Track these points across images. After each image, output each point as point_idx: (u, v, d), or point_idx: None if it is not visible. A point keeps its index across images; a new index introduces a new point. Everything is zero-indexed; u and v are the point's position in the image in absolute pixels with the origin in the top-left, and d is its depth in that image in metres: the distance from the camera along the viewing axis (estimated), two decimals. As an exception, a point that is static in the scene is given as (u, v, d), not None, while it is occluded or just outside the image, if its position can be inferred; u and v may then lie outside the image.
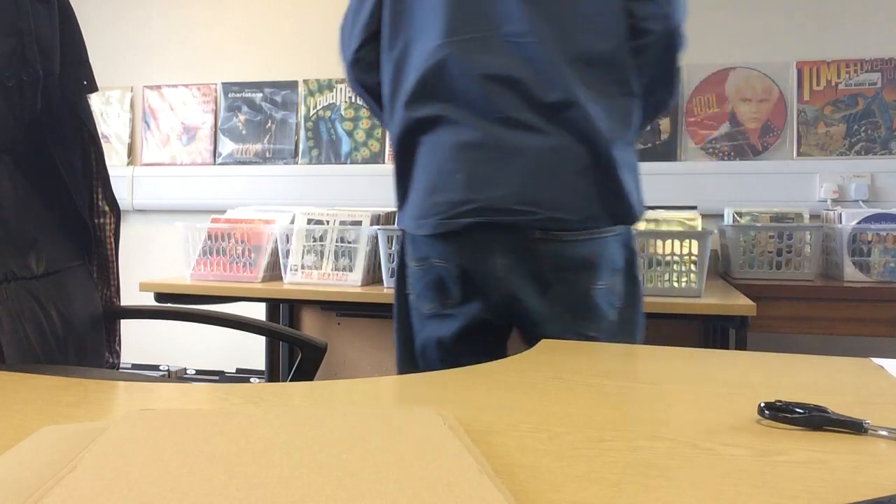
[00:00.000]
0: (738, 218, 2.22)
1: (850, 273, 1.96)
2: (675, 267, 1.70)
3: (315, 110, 2.82)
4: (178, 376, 2.87)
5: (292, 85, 2.85)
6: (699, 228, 1.88)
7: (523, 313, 1.15)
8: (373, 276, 1.97)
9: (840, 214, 2.04)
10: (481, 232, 1.12)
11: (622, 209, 1.13)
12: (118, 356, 1.37)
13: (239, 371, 2.86)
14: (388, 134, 2.42)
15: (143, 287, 1.94)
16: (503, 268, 1.12)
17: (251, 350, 2.77)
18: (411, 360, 1.26)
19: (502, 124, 1.10)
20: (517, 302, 1.13)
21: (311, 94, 2.83)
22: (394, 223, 1.91)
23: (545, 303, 1.12)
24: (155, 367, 2.91)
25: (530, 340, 1.13)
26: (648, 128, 2.44)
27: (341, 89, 2.79)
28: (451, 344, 1.19)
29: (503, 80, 1.10)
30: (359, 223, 1.97)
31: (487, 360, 1.17)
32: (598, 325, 1.13)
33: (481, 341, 1.20)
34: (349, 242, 1.96)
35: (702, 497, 0.45)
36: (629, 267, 1.17)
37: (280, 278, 2.01)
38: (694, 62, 2.51)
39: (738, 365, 0.85)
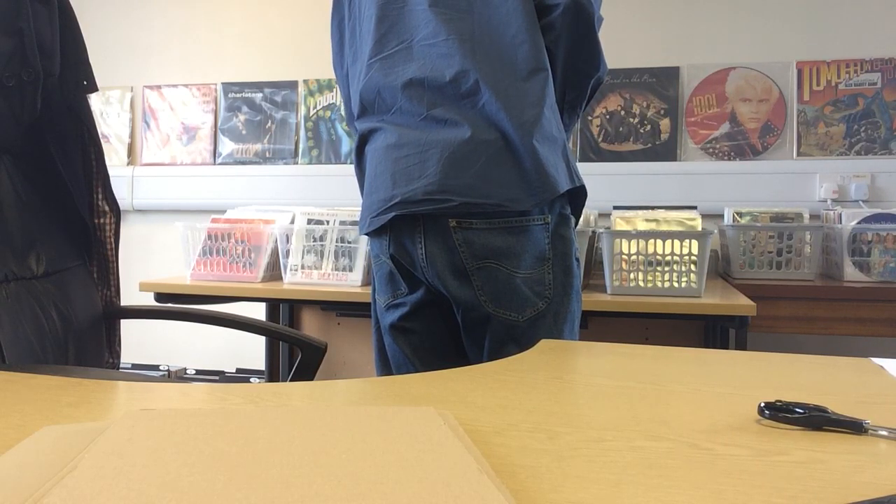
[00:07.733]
0: (738, 218, 2.22)
1: (850, 273, 1.97)
2: (675, 267, 1.70)
3: (315, 110, 2.82)
4: (178, 376, 2.87)
5: (292, 85, 2.85)
6: (699, 228, 1.88)
7: (452, 299, 1.20)
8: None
9: (840, 214, 2.04)
10: (404, 225, 1.18)
11: (543, 185, 1.14)
12: (118, 356, 1.37)
13: (239, 371, 2.86)
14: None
15: (143, 287, 1.95)
16: (425, 257, 1.17)
17: (251, 350, 2.78)
18: (381, 353, 1.32)
19: (424, 123, 1.17)
20: (445, 289, 1.18)
21: (311, 94, 2.83)
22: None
23: (469, 290, 1.16)
24: (155, 367, 2.92)
25: (465, 324, 1.19)
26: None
27: (341, 89, 2.79)
28: (400, 321, 1.26)
29: (420, 82, 1.17)
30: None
31: (439, 329, 1.24)
32: (523, 312, 1.15)
33: (430, 316, 1.25)
34: (349, 242, 1.96)
35: (702, 497, 0.45)
36: (563, 258, 1.18)
37: (280, 278, 2.02)
38: (694, 62, 2.51)
39: (738, 365, 0.85)
